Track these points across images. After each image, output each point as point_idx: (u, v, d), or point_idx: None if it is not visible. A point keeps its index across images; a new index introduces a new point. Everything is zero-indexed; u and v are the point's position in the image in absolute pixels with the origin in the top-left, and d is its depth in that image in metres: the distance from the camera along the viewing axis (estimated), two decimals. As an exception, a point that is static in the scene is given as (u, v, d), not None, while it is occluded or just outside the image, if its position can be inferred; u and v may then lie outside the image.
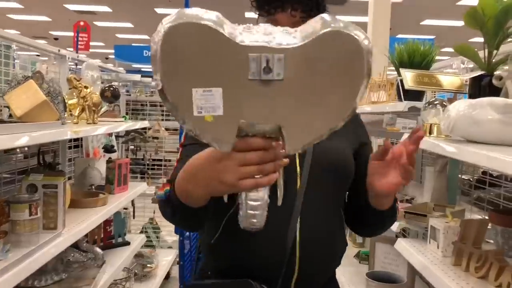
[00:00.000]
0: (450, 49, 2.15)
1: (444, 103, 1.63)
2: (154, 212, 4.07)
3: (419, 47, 1.95)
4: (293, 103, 0.80)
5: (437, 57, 2.14)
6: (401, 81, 1.85)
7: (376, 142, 3.41)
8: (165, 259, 3.95)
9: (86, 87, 2.18)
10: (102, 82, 3.05)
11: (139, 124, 2.83)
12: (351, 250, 3.31)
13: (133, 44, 15.16)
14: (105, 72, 3.49)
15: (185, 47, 0.77)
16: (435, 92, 2.18)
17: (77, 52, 9.65)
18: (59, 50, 2.82)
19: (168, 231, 4.46)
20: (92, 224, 2.06)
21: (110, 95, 2.57)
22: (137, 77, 3.70)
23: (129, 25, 13.74)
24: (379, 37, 6.05)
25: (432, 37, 12.08)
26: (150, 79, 4.08)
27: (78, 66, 3.26)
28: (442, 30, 12.53)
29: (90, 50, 10.94)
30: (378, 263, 2.54)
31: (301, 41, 0.79)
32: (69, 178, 2.83)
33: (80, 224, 1.98)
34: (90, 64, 2.76)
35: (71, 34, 11.05)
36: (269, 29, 0.81)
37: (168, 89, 0.78)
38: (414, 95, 1.91)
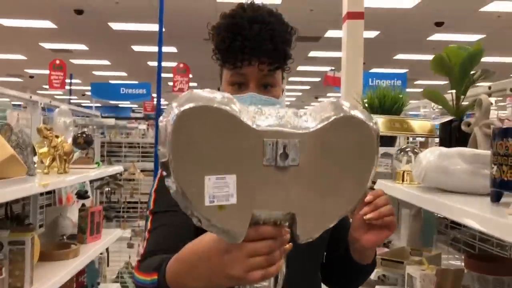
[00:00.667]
0: (422, 82, 2.20)
1: (415, 150, 1.65)
2: (129, 257, 3.96)
3: (390, 93, 1.99)
4: (307, 190, 0.78)
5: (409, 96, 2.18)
6: (373, 127, 1.86)
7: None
8: None
9: (57, 137, 2.14)
10: (76, 126, 3.01)
11: (112, 170, 2.78)
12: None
13: (110, 81, 15.17)
14: (79, 116, 3.45)
15: (198, 132, 0.73)
16: (408, 138, 2.21)
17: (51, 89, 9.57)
18: (30, 97, 2.79)
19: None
20: (62, 279, 1.98)
21: (83, 141, 2.53)
22: (111, 121, 3.67)
23: (106, 62, 13.75)
24: (353, 72, 6.17)
25: (405, 70, 12.41)
26: (125, 121, 4.05)
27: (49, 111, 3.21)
28: (414, 63, 12.89)
29: (66, 87, 10.90)
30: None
31: (314, 125, 0.79)
32: (40, 226, 2.75)
33: (49, 280, 1.90)
34: (63, 111, 2.72)
35: (47, 71, 11.02)
36: (281, 112, 0.79)
37: (177, 176, 0.72)
38: (386, 140, 1.93)
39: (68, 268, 2.08)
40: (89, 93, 16.87)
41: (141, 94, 10.71)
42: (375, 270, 1.85)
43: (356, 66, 6.33)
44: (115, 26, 9.75)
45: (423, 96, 1.87)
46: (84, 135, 2.55)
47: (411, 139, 2.38)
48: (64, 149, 2.15)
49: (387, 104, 1.97)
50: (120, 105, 18.46)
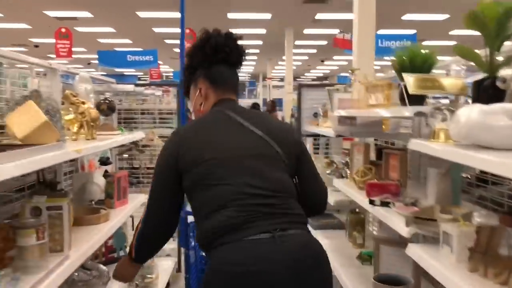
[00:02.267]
0: (431, 42, 2.17)
1: (451, 108, 1.64)
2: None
3: (420, 52, 1.96)
4: None
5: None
6: (405, 86, 1.85)
7: (373, 142, 3.42)
8: (164, 268, 3.91)
9: (83, 103, 2.14)
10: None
11: (135, 135, 2.79)
12: (352, 251, 3.31)
13: (115, 49, 15.01)
14: (97, 83, 3.43)
15: None
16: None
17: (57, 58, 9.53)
18: (50, 64, 2.77)
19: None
20: (97, 242, 2.02)
21: (106, 108, 2.53)
22: (130, 87, 3.65)
23: (111, 29, 13.57)
24: (365, 34, 6.06)
25: (414, 31, 12.19)
26: (142, 88, 4.02)
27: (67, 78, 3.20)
28: (423, 24, 12.63)
29: (73, 55, 10.80)
30: (382, 265, 2.54)
31: None
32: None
33: (85, 243, 1.94)
34: (83, 77, 2.71)
35: (52, 40, 10.89)
36: None
37: None
38: (416, 99, 1.91)
39: (101, 232, 2.12)
40: (94, 62, 16.76)
41: (148, 61, 10.61)
42: (408, 229, 1.87)
43: (368, 27, 6.22)
44: (120, -9, 9.57)
45: (454, 51, 1.84)
46: (107, 101, 2.54)
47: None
48: (91, 115, 2.16)
49: (417, 63, 1.94)
50: (125, 73, 18.33)
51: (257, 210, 1.50)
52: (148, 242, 1.81)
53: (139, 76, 22.21)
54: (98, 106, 2.51)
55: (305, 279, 1.47)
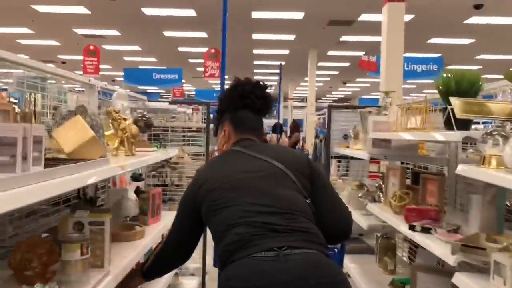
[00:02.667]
0: (456, 67, 2.14)
1: (503, 133, 1.60)
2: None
3: (466, 75, 1.93)
4: None
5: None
6: (452, 109, 1.82)
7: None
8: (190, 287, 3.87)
9: (125, 119, 2.16)
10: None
11: (170, 152, 2.80)
12: (382, 277, 3.23)
13: (140, 67, 15.28)
14: (131, 100, 3.47)
15: None
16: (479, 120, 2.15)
17: (85, 75, 9.74)
18: (89, 80, 2.81)
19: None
20: (134, 259, 2.01)
21: (143, 124, 2.55)
22: (165, 105, 3.68)
23: (136, 48, 13.84)
24: (394, 57, 6.06)
25: (438, 55, 12.14)
26: (175, 106, 4.06)
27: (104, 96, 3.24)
28: (448, 48, 12.57)
29: (100, 72, 11.01)
30: (419, 293, 2.47)
31: None
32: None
33: (124, 259, 1.93)
34: (120, 94, 2.75)
35: (79, 57, 11.15)
36: None
37: None
38: (462, 123, 1.88)
39: (138, 248, 2.11)
40: (119, 79, 17.06)
41: (173, 80, 10.76)
42: (454, 256, 1.82)
43: (397, 50, 6.22)
44: (148, 11, 9.77)
45: (505, 78, 1.81)
46: (145, 118, 2.56)
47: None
48: (131, 132, 2.17)
49: (463, 86, 1.91)
50: (148, 91, 18.60)
51: (264, 227, 1.55)
52: (162, 263, 1.96)
53: (161, 94, 22.51)
54: (135, 122, 2.52)
55: None
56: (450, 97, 1.84)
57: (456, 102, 1.82)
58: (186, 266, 4.34)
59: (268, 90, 1.96)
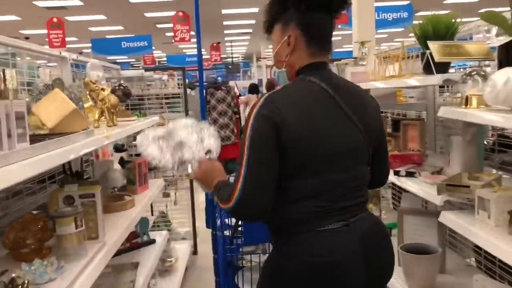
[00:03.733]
0: (426, 13, 2.11)
1: (482, 73, 1.63)
2: (166, 206, 4.03)
3: (443, 19, 1.94)
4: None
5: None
6: (430, 54, 1.83)
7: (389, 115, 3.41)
8: (182, 252, 3.93)
9: (103, 90, 2.11)
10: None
11: (150, 120, 2.77)
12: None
13: (107, 37, 14.83)
14: (105, 70, 3.39)
15: None
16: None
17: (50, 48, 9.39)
18: (60, 53, 2.73)
19: (179, 223, 4.45)
20: (127, 228, 2.03)
21: (122, 94, 2.51)
22: (139, 72, 3.61)
23: (102, 17, 13.38)
24: (365, 6, 6.02)
25: (407, 2, 12.09)
26: (151, 72, 3.99)
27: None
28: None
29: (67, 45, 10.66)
30: (406, 236, 2.56)
31: None
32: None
33: (117, 230, 1.94)
34: (94, 64, 2.68)
35: (43, 31, 10.73)
36: None
37: None
38: (441, 66, 1.90)
39: (129, 218, 2.12)
40: (86, 50, 16.57)
41: (143, 47, 10.52)
42: (440, 196, 1.88)
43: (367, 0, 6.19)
44: (110, -23, 9.40)
45: (482, 18, 1.82)
46: (122, 87, 2.51)
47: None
48: (111, 102, 2.13)
49: (441, 30, 1.92)
50: (117, 60, 18.14)
51: (339, 203, 1.42)
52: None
53: (131, 63, 22.01)
54: (113, 92, 2.48)
55: (375, 259, 1.45)
56: (428, 41, 1.86)
57: (434, 46, 1.83)
58: (177, 231, 4.40)
59: None
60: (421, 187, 2.10)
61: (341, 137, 1.43)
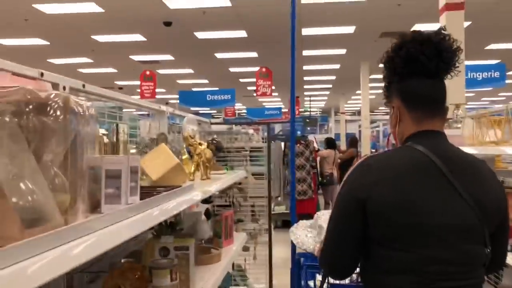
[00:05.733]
0: None
1: None
2: (245, 260, 4.01)
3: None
4: None
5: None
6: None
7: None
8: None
9: (200, 144, 2.20)
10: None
11: (239, 174, 2.82)
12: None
13: (193, 89, 15.67)
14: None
15: None
16: None
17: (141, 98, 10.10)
18: (159, 107, 2.90)
19: (255, 278, 4.39)
20: (216, 282, 2.03)
21: (215, 148, 2.58)
22: (229, 126, 3.74)
23: (189, 70, 14.21)
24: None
25: (498, 61, 11.64)
26: (239, 126, 4.12)
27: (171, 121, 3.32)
28: (508, 53, 12.04)
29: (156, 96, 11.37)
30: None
31: None
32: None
33: (207, 284, 1.95)
34: (190, 119, 2.81)
35: (134, 82, 11.59)
36: None
37: None
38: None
39: (217, 272, 2.13)
40: (172, 101, 17.56)
41: (226, 100, 10.96)
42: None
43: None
44: (200, 35, 10.03)
45: None
46: (215, 142, 2.60)
47: None
48: (206, 156, 2.21)
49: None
50: (200, 112, 19.00)
51: (436, 282, 1.31)
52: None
53: (212, 114, 22.94)
54: (207, 146, 2.57)
55: None
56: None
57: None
58: (253, 286, 4.33)
59: (448, 40, 1.39)
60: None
61: (442, 210, 1.32)
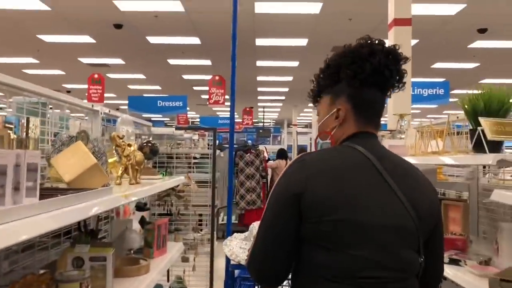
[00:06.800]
0: (461, 91, 1.97)
1: (544, 155, 1.46)
2: (184, 271, 3.82)
3: (495, 94, 1.80)
4: None
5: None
6: (482, 131, 1.68)
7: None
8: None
9: (129, 145, 2.03)
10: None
11: (176, 180, 2.66)
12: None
13: (144, 95, 15.30)
14: (137, 127, 3.36)
15: None
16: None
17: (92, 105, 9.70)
18: (92, 106, 2.71)
19: (195, 290, 4.22)
20: (139, 297, 1.85)
21: (149, 151, 2.42)
22: (170, 130, 3.57)
23: (141, 76, 13.87)
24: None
25: (443, 79, 12.08)
26: (182, 131, 3.96)
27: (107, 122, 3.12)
28: (453, 72, 12.54)
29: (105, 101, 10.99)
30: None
31: None
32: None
33: (127, 298, 1.77)
34: (125, 120, 2.63)
35: (84, 86, 11.14)
36: None
37: None
38: (492, 145, 1.74)
39: (142, 285, 1.95)
40: (123, 107, 17.07)
41: (178, 107, 10.73)
42: (492, 292, 1.65)
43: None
44: (152, 39, 9.79)
45: (539, 96, 1.68)
46: (150, 144, 2.43)
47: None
48: (136, 159, 2.04)
49: (493, 106, 1.78)
50: (152, 119, 18.61)
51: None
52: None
53: (165, 122, 22.52)
54: (140, 148, 2.40)
55: None
56: (479, 118, 1.71)
57: (486, 123, 1.69)
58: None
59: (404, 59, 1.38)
60: (466, 277, 1.87)
61: (378, 208, 1.25)
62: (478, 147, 1.76)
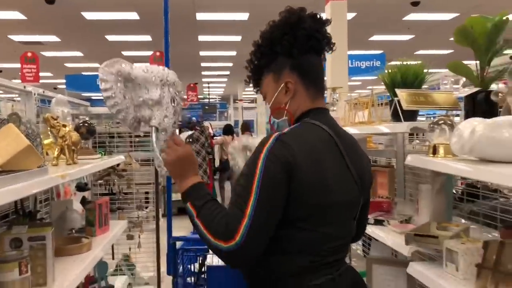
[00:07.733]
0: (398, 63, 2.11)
1: (449, 122, 1.63)
2: (129, 249, 3.86)
3: (412, 67, 1.95)
4: None
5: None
6: (398, 101, 1.83)
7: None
8: (145, 298, 3.75)
9: (64, 126, 2.03)
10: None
11: (116, 159, 2.68)
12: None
13: (83, 73, 14.76)
14: (73, 107, 3.31)
15: None
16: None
17: (24, 84, 9.26)
18: (24, 87, 2.65)
19: (143, 267, 4.27)
20: (81, 273, 1.89)
21: (85, 131, 2.42)
22: (106, 109, 3.52)
23: (78, 53, 13.36)
24: (338, 54, 6.14)
25: (381, 51, 12.50)
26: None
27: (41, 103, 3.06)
28: (389, 44, 12.98)
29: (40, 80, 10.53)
30: (375, 285, 2.49)
31: None
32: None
33: (69, 275, 1.81)
34: (60, 100, 2.60)
35: (17, 65, 10.61)
36: None
37: None
38: (409, 114, 1.90)
39: (85, 262, 1.99)
40: (61, 86, 16.41)
41: (118, 85, 10.45)
42: (408, 247, 1.83)
43: (341, 47, 6.32)
44: (88, 15, 9.43)
45: (448, 68, 1.85)
46: (86, 125, 2.43)
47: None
48: (72, 139, 2.05)
49: (409, 78, 1.93)
50: (93, 97, 18.03)
51: (327, 257, 1.34)
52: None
53: (107, 101, 21.86)
54: (77, 129, 2.39)
55: None
56: (396, 89, 1.86)
57: (402, 94, 1.84)
58: (141, 276, 4.20)
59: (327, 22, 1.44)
60: (389, 236, 2.06)
61: (341, 189, 1.34)
62: (395, 116, 1.91)
